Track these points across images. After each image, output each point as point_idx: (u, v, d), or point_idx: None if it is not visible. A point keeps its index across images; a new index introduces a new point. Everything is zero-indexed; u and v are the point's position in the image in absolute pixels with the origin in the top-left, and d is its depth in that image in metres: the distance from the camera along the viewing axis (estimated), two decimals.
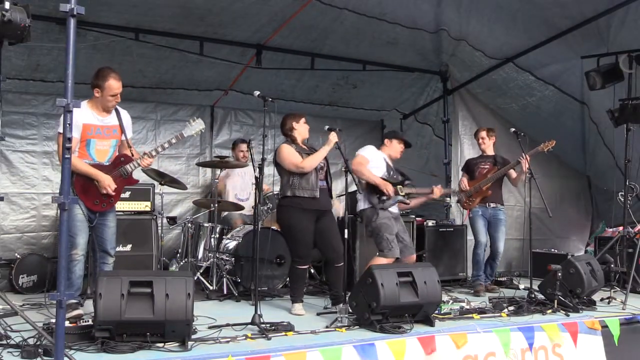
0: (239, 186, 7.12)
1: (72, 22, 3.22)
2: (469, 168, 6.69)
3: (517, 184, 6.74)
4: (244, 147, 7.10)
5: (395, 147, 5.80)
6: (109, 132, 4.57)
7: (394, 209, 5.61)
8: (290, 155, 5.11)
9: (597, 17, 6.27)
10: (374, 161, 5.63)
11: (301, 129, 5.29)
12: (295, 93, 7.85)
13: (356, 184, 5.15)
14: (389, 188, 5.47)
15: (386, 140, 5.87)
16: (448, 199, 7.78)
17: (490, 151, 6.63)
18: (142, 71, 6.81)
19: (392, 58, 7.51)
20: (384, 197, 5.45)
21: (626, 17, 6.19)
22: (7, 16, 3.64)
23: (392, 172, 5.71)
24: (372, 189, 5.49)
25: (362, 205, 5.59)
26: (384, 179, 5.52)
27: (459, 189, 6.57)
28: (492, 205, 6.44)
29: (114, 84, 4.42)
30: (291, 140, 5.28)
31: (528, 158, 6.05)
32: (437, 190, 5.95)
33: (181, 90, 7.32)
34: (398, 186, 5.63)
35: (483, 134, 6.67)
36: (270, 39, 6.75)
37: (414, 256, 5.75)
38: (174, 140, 4.74)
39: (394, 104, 8.79)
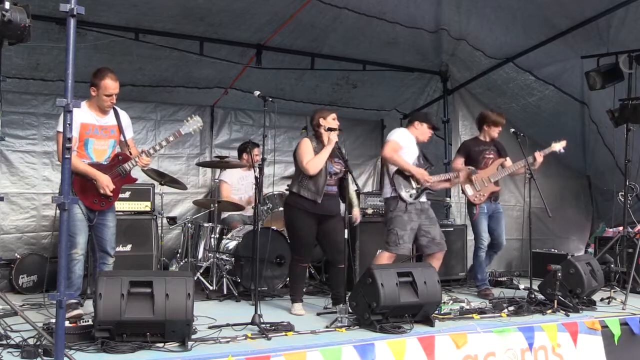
0: (243, 191, 7.11)
1: (72, 22, 3.22)
2: (470, 154, 6.21)
3: (515, 176, 6.63)
4: (257, 151, 6.69)
5: (424, 131, 5.54)
6: (106, 132, 4.58)
7: (423, 198, 5.45)
8: (304, 152, 5.06)
9: (597, 17, 6.27)
10: (408, 146, 5.43)
11: (335, 122, 5.17)
12: (295, 93, 7.85)
13: (356, 184, 5.13)
14: (425, 177, 5.33)
15: (416, 123, 5.55)
16: (448, 199, 7.78)
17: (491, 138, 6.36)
18: (142, 70, 6.81)
19: (392, 58, 7.50)
20: (413, 191, 5.32)
21: (626, 17, 6.19)
22: (7, 16, 3.64)
23: (420, 159, 5.52)
24: (402, 179, 5.31)
25: (387, 192, 5.42)
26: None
27: (468, 177, 6.07)
28: (495, 200, 6.25)
29: (109, 84, 4.42)
30: (316, 136, 5.20)
31: (542, 155, 5.95)
32: (463, 172, 5.77)
33: (181, 89, 7.32)
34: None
35: (504, 121, 6.26)
36: (270, 38, 6.75)
37: (442, 253, 5.47)
38: (171, 138, 4.73)
39: (394, 104, 8.79)
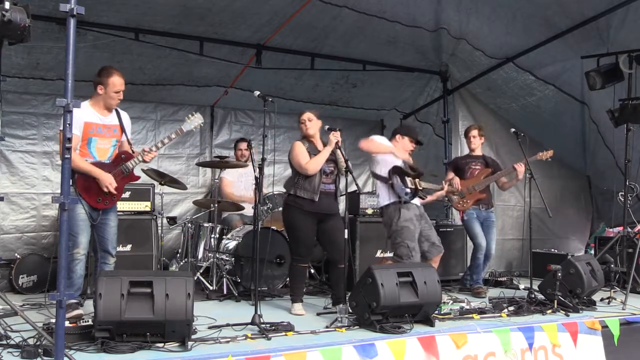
0: (242, 188, 7.12)
1: (72, 22, 3.23)
2: (458, 167, 6.51)
3: (505, 190, 6.74)
4: (243, 145, 7.10)
5: (406, 145, 5.55)
6: (109, 131, 4.60)
7: (418, 202, 5.49)
8: (298, 154, 5.10)
9: (597, 17, 6.27)
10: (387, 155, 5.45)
11: (303, 126, 5.21)
12: (295, 92, 7.85)
13: (356, 184, 5.13)
14: (405, 157, 5.36)
15: (398, 136, 5.59)
16: (447, 198, 7.78)
17: (479, 151, 6.54)
18: (142, 69, 6.82)
19: (392, 57, 7.50)
20: (407, 190, 5.33)
21: (626, 17, 6.19)
22: (7, 16, 3.64)
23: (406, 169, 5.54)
24: (399, 178, 5.32)
25: (384, 199, 5.40)
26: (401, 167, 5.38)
27: (450, 187, 6.28)
28: (485, 207, 6.38)
29: (117, 81, 4.47)
30: (306, 138, 5.23)
31: (524, 165, 6.01)
32: (447, 187, 5.97)
33: (181, 87, 7.33)
34: (416, 179, 5.45)
35: (475, 132, 6.50)
36: (270, 38, 6.75)
37: (440, 255, 5.56)
38: (173, 136, 4.76)
39: (393, 104, 8.79)
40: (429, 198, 5.86)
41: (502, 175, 6.34)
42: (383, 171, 5.42)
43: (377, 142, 5.38)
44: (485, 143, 6.79)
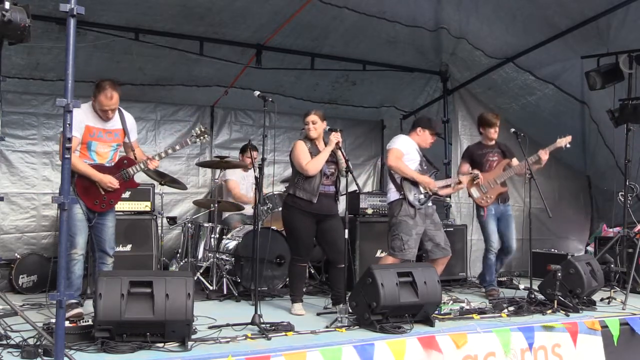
0: (244, 190, 7.11)
1: (72, 22, 3.22)
2: (473, 158, 6.19)
3: (522, 176, 6.60)
4: (254, 154, 6.92)
5: (426, 138, 5.56)
6: (110, 135, 4.62)
7: (429, 203, 5.47)
8: (299, 154, 5.09)
9: (597, 17, 6.27)
10: (409, 153, 5.44)
11: (307, 128, 5.18)
12: (294, 90, 7.86)
13: (356, 184, 5.12)
14: (431, 185, 5.36)
15: (419, 129, 5.55)
16: (448, 199, 7.77)
17: (493, 140, 6.26)
18: (142, 69, 6.83)
19: (392, 57, 7.51)
20: (421, 196, 5.34)
21: (626, 17, 6.19)
22: (7, 16, 3.63)
23: (423, 164, 5.52)
24: (410, 184, 5.34)
25: (392, 196, 5.43)
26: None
27: (473, 180, 6.01)
28: (503, 202, 6.18)
29: (103, 101, 4.46)
30: (308, 138, 5.22)
31: (547, 153, 5.91)
32: (465, 179, 5.81)
33: (181, 87, 7.34)
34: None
35: (498, 122, 6.19)
36: (270, 38, 6.76)
37: (447, 258, 5.51)
38: (178, 147, 4.87)
39: (393, 102, 8.80)
40: (444, 190, 5.74)
41: (523, 167, 6.01)
42: (397, 176, 5.41)
43: (407, 168, 5.35)
44: None
